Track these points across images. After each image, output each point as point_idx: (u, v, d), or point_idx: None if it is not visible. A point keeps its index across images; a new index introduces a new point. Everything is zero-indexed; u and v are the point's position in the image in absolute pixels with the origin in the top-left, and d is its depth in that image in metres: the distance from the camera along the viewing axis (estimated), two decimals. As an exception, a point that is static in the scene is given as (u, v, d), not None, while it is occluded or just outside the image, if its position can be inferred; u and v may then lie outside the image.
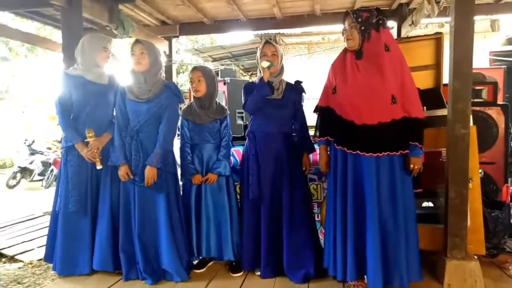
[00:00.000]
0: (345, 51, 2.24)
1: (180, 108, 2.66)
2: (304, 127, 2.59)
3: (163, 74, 2.64)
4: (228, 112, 2.75)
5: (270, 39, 2.58)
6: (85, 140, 2.48)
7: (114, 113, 2.63)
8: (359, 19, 2.10)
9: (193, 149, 2.64)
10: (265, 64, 2.39)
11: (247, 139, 2.61)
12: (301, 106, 2.58)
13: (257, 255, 2.52)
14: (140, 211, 2.47)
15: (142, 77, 2.46)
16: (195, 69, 2.64)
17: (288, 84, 2.59)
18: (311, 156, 2.68)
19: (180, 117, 2.66)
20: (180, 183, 2.69)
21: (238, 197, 2.76)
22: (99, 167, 2.52)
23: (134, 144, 2.45)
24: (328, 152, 2.33)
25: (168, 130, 2.48)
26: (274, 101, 2.49)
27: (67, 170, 2.52)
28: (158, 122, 2.48)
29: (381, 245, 2.05)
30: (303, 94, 2.58)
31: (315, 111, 2.37)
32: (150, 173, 2.41)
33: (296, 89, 2.58)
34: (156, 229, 2.49)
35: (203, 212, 2.60)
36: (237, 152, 3.01)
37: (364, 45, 2.11)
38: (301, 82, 2.60)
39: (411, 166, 2.10)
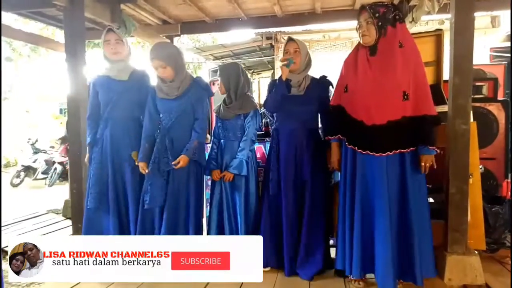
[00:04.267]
0: (357, 47, 2.19)
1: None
2: None
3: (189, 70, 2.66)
4: (255, 107, 2.62)
5: (291, 37, 2.54)
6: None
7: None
8: (377, 14, 2.03)
9: (220, 145, 2.64)
10: (280, 63, 2.37)
11: (271, 136, 2.60)
12: (328, 100, 2.43)
13: (272, 252, 2.48)
14: (168, 206, 2.45)
15: None
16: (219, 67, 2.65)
17: (313, 79, 2.51)
18: None
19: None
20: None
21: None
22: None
23: (165, 141, 2.43)
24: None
25: (201, 123, 2.50)
26: (296, 97, 2.44)
27: (90, 167, 2.54)
28: (188, 118, 2.48)
29: (391, 243, 2.03)
30: (330, 87, 2.48)
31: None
32: (183, 160, 2.40)
33: (322, 83, 2.50)
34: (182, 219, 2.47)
35: (224, 209, 2.59)
36: (258, 149, 2.96)
37: (380, 41, 2.06)
38: (327, 76, 2.52)
39: (422, 164, 2.06)
